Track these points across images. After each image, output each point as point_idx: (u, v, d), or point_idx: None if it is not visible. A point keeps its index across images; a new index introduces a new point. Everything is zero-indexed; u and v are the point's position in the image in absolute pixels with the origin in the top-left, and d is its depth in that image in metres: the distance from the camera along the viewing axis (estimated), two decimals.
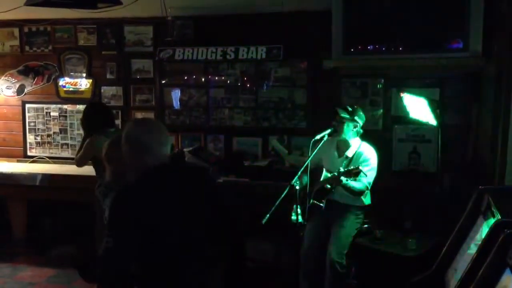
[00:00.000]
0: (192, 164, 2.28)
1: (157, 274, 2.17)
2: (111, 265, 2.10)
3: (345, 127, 3.86)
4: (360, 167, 3.55)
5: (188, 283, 2.22)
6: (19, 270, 4.90)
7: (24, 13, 5.06)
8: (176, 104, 5.36)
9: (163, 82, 5.40)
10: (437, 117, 3.91)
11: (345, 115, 3.84)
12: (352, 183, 3.66)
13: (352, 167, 3.59)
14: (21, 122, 5.88)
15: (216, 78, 5.25)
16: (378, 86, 4.72)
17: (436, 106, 3.92)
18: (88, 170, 4.48)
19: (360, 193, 3.78)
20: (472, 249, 2.50)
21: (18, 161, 5.85)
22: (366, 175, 3.64)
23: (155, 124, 2.35)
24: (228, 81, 5.22)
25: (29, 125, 5.86)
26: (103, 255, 2.10)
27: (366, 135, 3.99)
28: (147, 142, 2.20)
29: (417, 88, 4.41)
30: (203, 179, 2.44)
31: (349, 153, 3.89)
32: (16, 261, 5.07)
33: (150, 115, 5.47)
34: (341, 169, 3.64)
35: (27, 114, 5.87)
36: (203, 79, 5.29)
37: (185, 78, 5.34)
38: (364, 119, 3.95)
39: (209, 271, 2.30)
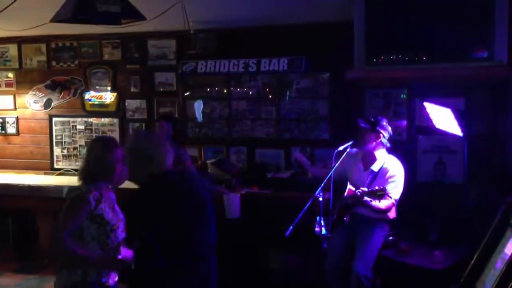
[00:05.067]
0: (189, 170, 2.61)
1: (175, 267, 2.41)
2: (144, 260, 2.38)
3: (367, 138, 3.82)
4: (386, 189, 3.46)
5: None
6: (46, 282, 4.96)
7: (50, 29, 5.19)
8: (199, 116, 5.40)
9: (186, 94, 5.46)
10: (462, 127, 3.84)
11: (365, 125, 3.80)
12: (376, 204, 3.59)
13: (376, 188, 3.49)
14: (48, 135, 6.01)
15: (238, 90, 5.29)
16: (402, 96, 4.68)
17: (461, 116, 3.86)
18: None
19: (386, 211, 3.72)
20: (501, 262, 2.44)
21: (45, 173, 5.96)
22: (391, 197, 3.58)
23: (155, 135, 2.67)
24: (250, 93, 5.24)
25: (56, 138, 5.98)
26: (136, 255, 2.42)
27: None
28: (150, 153, 2.46)
29: (441, 97, 4.34)
30: (201, 182, 2.67)
31: (375, 167, 3.83)
32: (43, 272, 5.15)
33: None
34: (365, 189, 3.55)
35: (54, 128, 5.99)
36: (225, 91, 5.33)
37: (208, 90, 5.39)
38: (389, 131, 3.87)
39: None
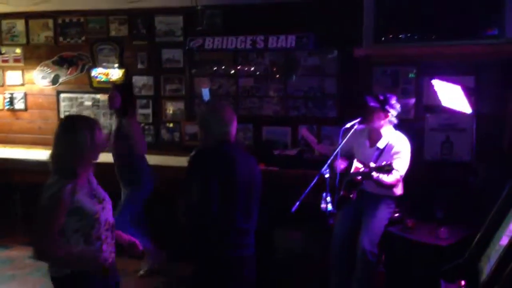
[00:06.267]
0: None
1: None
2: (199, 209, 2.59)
3: (375, 116, 3.80)
4: (393, 164, 3.45)
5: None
6: None
7: (57, 5, 5.18)
8: (206, 96, 5.37)
9: (193, 71, 5.44)
10: (471, 105, 3.82)
11: (374, 104, 3.78)
12: (383, 178, 3.60)
13: (384, 163, 3.47)
14: (56, 111, 6.03)
15: (246, 67, 5.27)
16: (410, 75, 4.64)
17: (471, 94, 3.83)
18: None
19: (392, 186, 3.72)
20: (506, 239, 2.45)
21: None
22: (398, 171, 3.58)
23: (219, 107, 2.85)
24: (258, 71, 5.22)
25: (63, 114, 6.00)
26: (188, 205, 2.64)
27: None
28: (209, 122, 2.73)
29: (451, 76, 4.30)
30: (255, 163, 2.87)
31: (381, 144, 3.82)
32: None
33: (180, 104, 5.53)
34: (373, 164, 3.55)
35: (61, 104, 6.01)
36: (232, 69, 5.31)
37: (215, 67, 5.36)
38: (398, 109, 3.84)
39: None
